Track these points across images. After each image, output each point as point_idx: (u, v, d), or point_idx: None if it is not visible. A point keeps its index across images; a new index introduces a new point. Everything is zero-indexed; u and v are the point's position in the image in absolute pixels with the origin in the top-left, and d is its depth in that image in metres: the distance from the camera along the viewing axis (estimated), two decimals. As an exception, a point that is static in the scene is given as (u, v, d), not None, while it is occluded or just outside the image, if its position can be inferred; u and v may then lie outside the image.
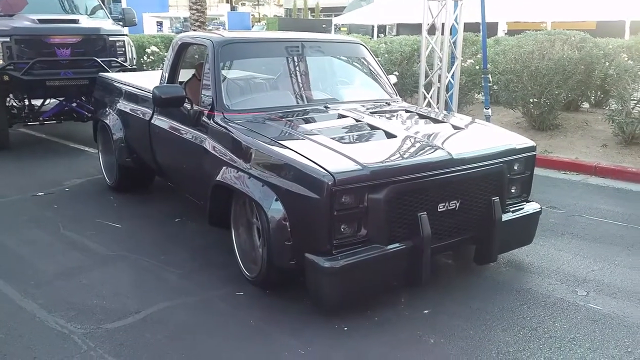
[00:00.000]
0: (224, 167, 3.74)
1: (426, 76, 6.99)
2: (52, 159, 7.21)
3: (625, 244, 4.39)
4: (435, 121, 4.17)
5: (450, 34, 6.77)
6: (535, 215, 3.96)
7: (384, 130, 3.74)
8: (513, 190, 3.86)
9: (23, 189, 5.81)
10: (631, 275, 3.84)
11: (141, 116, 5.06)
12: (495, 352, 2.93)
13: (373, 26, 25.26)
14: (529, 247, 4.13)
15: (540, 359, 2.88)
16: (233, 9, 44.92)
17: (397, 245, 3.24)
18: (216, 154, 3.86)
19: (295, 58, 4.55)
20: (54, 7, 8.15)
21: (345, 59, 4.96)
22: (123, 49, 7.91)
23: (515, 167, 3.81)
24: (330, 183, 2.99)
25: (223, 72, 4.18)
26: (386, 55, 9.55)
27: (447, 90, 6.81)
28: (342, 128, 3.83)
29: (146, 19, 27.38)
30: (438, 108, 6.60)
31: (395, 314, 3.33)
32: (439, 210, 3.40)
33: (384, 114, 4.24)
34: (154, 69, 12.40)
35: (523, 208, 3.91)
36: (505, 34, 14.45)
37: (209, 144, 3.97)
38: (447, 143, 3.60)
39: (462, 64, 8.13)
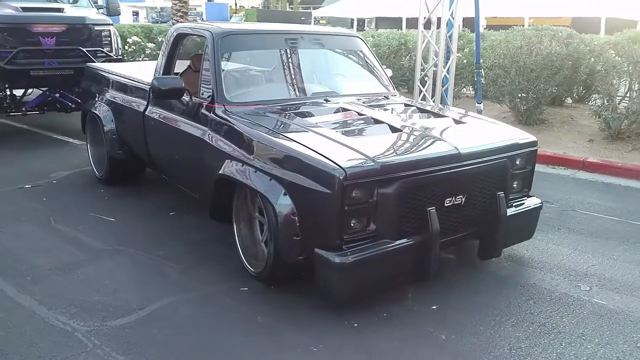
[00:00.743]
0: (226, 161, 3.67)
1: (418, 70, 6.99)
2: (36, 150, 7.02)
3: (620, 239, 4.45)
4: (437, 115, 4.16)
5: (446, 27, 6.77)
6: (536, 210, 3.99)
7: (388, 124, 3.71)
8: (515, 185, 3.87)
9: (8, 181, 5.64)
10: (631, 269, 3.89)
11: (135, 107, 4.95)
12: (508, 348, 2.94)
13: (352, 19, 25.28)
14: (528, 241, 4.15)
15: (552, 355, 2.89)
16: (210, -1, 44.37)
17: (405, 240, 3.22)
18: (218, 146, 3.79)
19: (294, 50, 4.49)
20: (37, -5, 7.95)
21: (343, 51, 4.92)
22: (109, 39, 7.74)
23: (518, 162, 3.82)
24: (341, 177, 2.95)
25: (222, 64, 4.10)
26: (373, 48, 9.51)
27: (442, 85, 6.81)
28: (347, 122, 3.79)
29: (122, 8, 26.95)
30: (434, 102, 6.60)
31: (403, 310, 3.31)
32: (446, 205, 3.39)
33: (384, 108, 4.21)
34: (136, 60, 12.21)
35: (525, 203, 3.93)
36: (485, 29, 14.53)
37: (210, 136, 3.90)
38: (453, 138, 3.59)
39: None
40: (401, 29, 15.54)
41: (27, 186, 5.55)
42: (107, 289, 3.51)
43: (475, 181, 3.50)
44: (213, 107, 3.95)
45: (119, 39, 8.15)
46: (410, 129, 3.68)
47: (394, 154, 3.25)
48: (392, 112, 4.11)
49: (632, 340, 3.03)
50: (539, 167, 6.60)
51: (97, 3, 8.51)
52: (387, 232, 3.18)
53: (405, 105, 4.44)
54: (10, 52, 6.84)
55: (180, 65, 5.07)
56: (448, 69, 6.63)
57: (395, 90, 4.87)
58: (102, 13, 8.20)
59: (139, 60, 11.73)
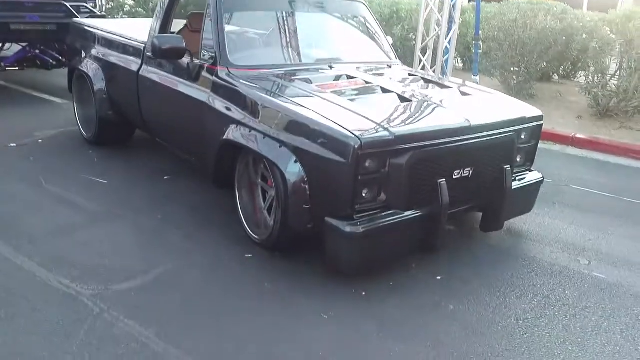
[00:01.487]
0: (231, 125, 3.58)
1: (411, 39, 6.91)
2: (17, 108, 6.78)
3: (614, 215, 4.52)
4: (442, 86, 4.12)
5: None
6: (538, 185, 4.01)
7: (397, 94, 3.66)
8: (518, 159, 3.88)
9: (-8, 140, 5.45)
10: (627, 245, 3.96)
11: (128, 67, 4.78)
12: (515, 319, 2.98)
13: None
14: (526, 215, 4.18)
15: (558, 327, 2.94)
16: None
17: (415, 211, 3.21)
18: (222, 111, 3.69)
19: (299, 14, 4.38)
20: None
21: (347, 17, 4.81)
22: (93, -6, 7.45)
23: (523, 136, 3.82)
24: (356, 146, 2.90)
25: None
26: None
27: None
28: (355, 90, 3.72)
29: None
30: (434, 72, 6.55)
31: (409, 279, 3.32)
32: (454, 177, 3.38)
33: (389, 77, 4.15)
34: (114, 17, 11.81)
35: (527, 177, 3.95)
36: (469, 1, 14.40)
37: (213, 100, 3.79)
38: (463, 109, 3.56)
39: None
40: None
41: (12, 145, 5.36)
42: (108, 252, 3.43)
43: (483, 154, 3.49)
44: (215, 70, 3.84)
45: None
46: (419, 99, 3.63)
47: (408, 124, 3.21)
48: (398, 82, 4.05)
49: (633, 313, 3.10)
50: (528, 142, 6.73)
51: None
52: (397, 203, 3.16)
53: (410, 75, 4.38)
54: (-11, 5, 6.53)
55: (175, 25, 4.90)
56: (449, 40, 6.55)
57: (397, 59, 4.80)
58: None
59: (117, 18, 11.36)
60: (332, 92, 3.59)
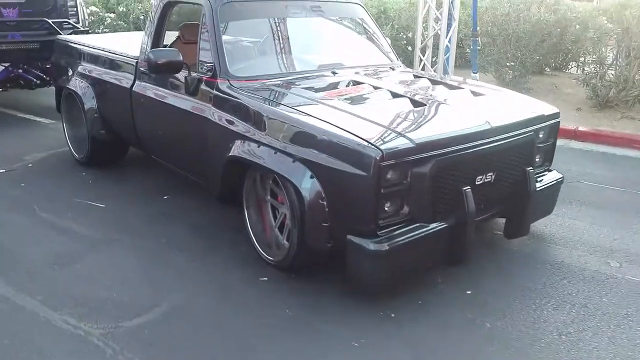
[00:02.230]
0: (237, 141, 3.38)
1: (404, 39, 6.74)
2: (3, 131, 6.47)
3: (633, 210, 4.38)
4: (452, 87, 3.93)
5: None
6: (558, 185, 3.85)
7: (409, 98, 3.48)
8: (537, 159, 3.72)
9: (-22, 166, 5.19)
10: (653, 242, 3.82)
11: (119, 83, 4.55)
12: (557, 334, 2.80)
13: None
14: (545, 217, 4.01)
15: (604, 339, 2.76)
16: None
17: (440, 222, 3.02)
18: (225, 125, 3.49)
19: (296, 20, 4.20)
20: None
21: (345, 20, 4.61)
22: (75, 9, 7.18)
23: (541, 135, 3.66)
24: (378, 158, 2.71)
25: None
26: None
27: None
28: (365, 96, 3.53)
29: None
30: (435, 72, 6.38)
31: (437, 296, 3.14)
32: (477, 183, 3.20)
33: (396, 80, 3.97)
34: (95, 31, 11.51)
35: (547, 177, 3.79)
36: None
37: (214, 114, 3.58)
38: (480, 111, 3.40)
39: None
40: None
41: (1, 171, 5.09)
42: (114, 283, 3.21)
43: (505, 157, 3.32)
44: (215, 83, 3.63)
45: (84, 9, 7.59)
46: (433, 102, 3.45)
47: (427, 130, 3.03)
48: (406, 85, 3.87)
49: (678, 318, 2.94)
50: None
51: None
52: (421, 215, 2.97)
53: (416, 76, 4.21)
54: (-32, 25, 6.25)
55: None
56: (449, 38, 6.38)
57: (398, 60, 4.62)
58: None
59: (98, 32, 11.08)
60: (341, 99, 3.40)
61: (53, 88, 7.58)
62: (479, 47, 6.56)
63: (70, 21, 7.05)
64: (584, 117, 7.08)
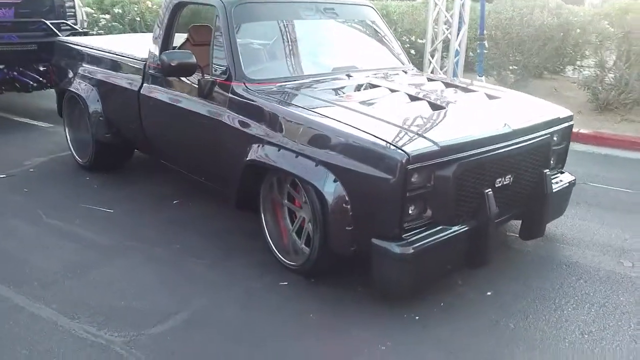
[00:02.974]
0: (256, 145, 3.34)
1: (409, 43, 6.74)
2: (0, 135, 6.39)
3: (641, 211, 4.41)
4: (467, 90, 3.93)
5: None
6: (571, 186, 3.86)
7: (427, 101, 3.46)
8: (551, 162, 3.72)
9: (-23, 171, 5.09)
10: (665, 243, 3.84)
11: (126, 86, 4.49)
12: (579, 333, 2.80)
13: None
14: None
15: (625, 338, 2.77)
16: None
17: (462, 225, 3.01)
18: (243, 129, 3.45)
19: (310, 22, 4.17)
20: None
21: (357, 22, 4.59)
22: (73, 10, 7.09)
23: (555, 138, 3.66)
24: (404, 161, 2.70)
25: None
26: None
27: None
28: (383, 99, 3.51)
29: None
30: (445, 74, 6.38)
31: (458, 298, 3.12)
32: (496, 185, 3.19)
33: (411, 83, 3.95)
34: (90, 33, 11.35)
35: (561, 179, 3.79)
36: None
37: (230, 117, 3.54)
38: (498, 114, 3.40)
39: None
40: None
41: (1, 176, 5.00)
42: (130, 291, 3.15)
43: (523, 159, 3.32)
44: (230, 86, 3.59)
45: (82, 10, 7.50)
46: (452, 105, 3.44)
47: (451, 134, 3.01)
48: (422, 88, 3.85)
49: (697, 316, 2.96)
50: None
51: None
52: (443, 218, 2.96)
53: (429, 79, 4.20)
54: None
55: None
56: (459, 41, 6.36)
57: (410, 63, 4.61)
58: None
59: (93, 34, 10.96)
60: (360, 102, 3.38)
61: (49, 91, 7.56)
62: (485, 51, 6.58)
63: (69, 22, 6.96)
64: (585, 120, 7.11)
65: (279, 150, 3.19)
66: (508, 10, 7.27)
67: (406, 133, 2.92)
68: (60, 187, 4.76)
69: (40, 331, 2.76)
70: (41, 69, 7.38)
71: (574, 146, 6.32)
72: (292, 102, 3.34)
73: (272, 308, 3.01)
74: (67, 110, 5.35)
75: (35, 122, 7.00)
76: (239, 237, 3.82)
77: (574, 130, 6.54)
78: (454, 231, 2.96)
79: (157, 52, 4.19)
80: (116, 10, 11.61)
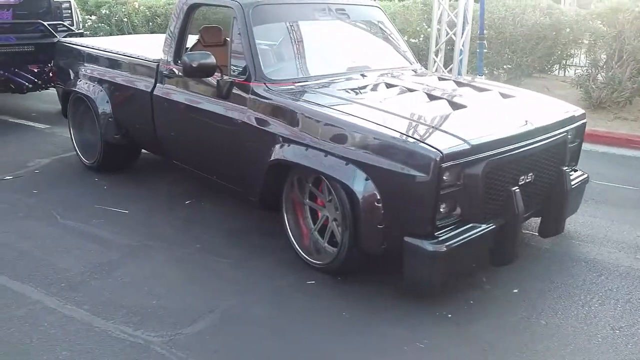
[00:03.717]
0: (279, 144, 3.36)
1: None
2: (-2, 136, 6.30)
3: (647, 208, 4.52)
4: (481, 89, 3.97)
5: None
6: (585, 184, 3.94)
7: (447, 100, 3.51)
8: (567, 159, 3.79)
9: (-19, 173, 5.01)
10: (676, 238, 3.95)
11: (138, 87, 4.46)
12: (610, 328, 2.87)
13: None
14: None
15: (655, 332, 2.85)
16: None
17: (490, 223, 3.06)
18: (266, 128, 3.46)
19: (324, 22, 4.20)
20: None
21: (366, 23, 4.62)
22: (69, 11, 7.03)
23: (569, 136, 3.74)
24: (438, 159, 2.74)
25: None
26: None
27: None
28: (403, 98, 3.55)
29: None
30: (449, 73, 6.45)
31: (486, 295, 3.17)
32: (520, 183, 3.26)
33: (426, 83, 4.00)
34: (84, 35, 11.21)
35: (575, 176, 3.87)
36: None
37: (251, 117, 3.56)
38: (520, 113, 3.47)
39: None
40: None
41: (8, 177, 4.94)
42: (160, 290, 3.15)
43: (544, 157, 3.39)
44: (250, 86, 3.60)
45: (78, 11, 7.42)
46: (472, 105, 3.48)
47: (480, 132, 3.05)
48: (437, 87, 3.90)
49: None
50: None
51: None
52: (472, 216, 3.01)
53: (440, 78, 4.26)
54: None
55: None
56: (463, 40, 6.45)
57: (417, 62, 4.66)
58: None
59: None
60: (383, 101, 3.41)
61: (42, 92, 7.49)
62: (485, 50, 6.69)
63: (65, 23, 6.88)
64: (578, 118, 7.25)
65: (306, 149, 3.21)
66: (500, 9, 7.38)
67: (437, 132, 2.97)
68: (69, 188, 4.72)
69: (76, 332, 2.74)
70: (35, 70, 7.32)
71: (572, 145, 6.50)
72: (317, 102, 3.35)
73: (303, 307, 3.03)
74: (72, 112, 5.29)
75: (31, 123, 6.91)
76: (258, 236, 3.83)
77: (571, 128, 6.75)
78: (483, 229, 3.01)
79: (171, 53, 4.18)
80: (103, 11, 11.50)
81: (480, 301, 3.11)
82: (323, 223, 3.45)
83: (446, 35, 6.55)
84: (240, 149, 3.66)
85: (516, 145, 3.12)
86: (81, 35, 7.14)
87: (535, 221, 3.73)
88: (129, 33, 10.71)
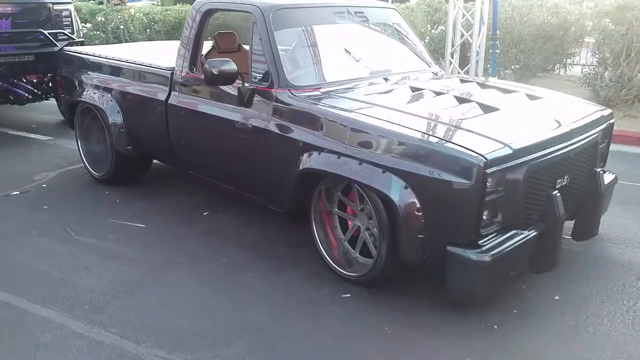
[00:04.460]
0: (308, 153, 3.24)
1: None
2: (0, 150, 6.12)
3: (673, 207, 4.45)
4: (506, 91, 3.87)
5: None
6: (614, 184, 3.86)
7: (477, 103, 3.41)
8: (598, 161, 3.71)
9: (-13, 189, 4.84)
10: None
11: (152, 96, 4.33)
12: (662, 335, 2.78)
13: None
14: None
15: None
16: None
17: (531, 229, 2.96)
18: (292, 136, 3.34)
19: (344, 25, 4.09)
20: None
21: (384, 25, 4.52)
22: (69, 19, 6.87)
23: (599, 136, 3.66)
24: (482, 165, 2.64)
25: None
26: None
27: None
28: (433, 102, 3.45)
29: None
30: (466, 74, 6.37)
31: (529, 304, 3.07)
32: (557, 187, 3.16)
33: (448, 85, 3.90)
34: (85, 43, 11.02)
35: (606, 177, 3.78)
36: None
37: (276, 126, 3.44)
38: (551, 115, 3.37)
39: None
40: None
41: (15, 192, 4.78)
42: (189, 310, 3.01)
43: (578, 159, 3.30)
44: (272, 93, 3.48)
45: (78, 19, 7.27)
46: (503, 108, 3.38)
47: (520, 136, 2.95)
48: (463, 90, 3.80)
49: None
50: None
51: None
52: (514, 222, 2.91)
53: (463, 81, 4.16)
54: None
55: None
56: (480, 42, 6.37)
57: (436, 65, 4.56)
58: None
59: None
60: (414, 105, 3.32)
61: (43, 103, 7.33)
62: (497, 51, 6.61)
63: (66, 32, 6.73)
64: (587, 116, 7.20)
65: (338, 157, 3.09)
66: (507, 10, 7.32)
67: (477, 136, 2.86)
68: (81, 203, 4.57)
69: (107, 358, 2.60)
70: (34, 80, 7.17)
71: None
72: (347, 108, 3.24)
73: (343, 321, 2.91)
74: (80, 123, 5.13)
75: (32, 135, 6.75)
76: (283, 247, 3.72)
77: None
78: (526, 236, 2.91)
79: (186, 61, 4.05)
80: (98, 19, 11.33)
81: (524, 310, 3.00)
82: (353, 233, 3.35)
83: (461, 37, 6.47)
84: (264, 157, 3.54)
85: (555, 148, 3.02)
86: (82, 43, 6.98)
87: (567, 224, 3.64)
88: (126, 40, 10.55)
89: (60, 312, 2.99)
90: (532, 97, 3.74)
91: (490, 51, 6.47)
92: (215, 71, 3.46)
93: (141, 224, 4.11)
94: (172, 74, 4.18)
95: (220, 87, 3.76)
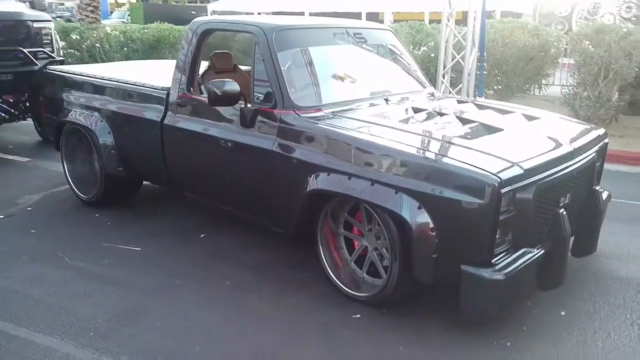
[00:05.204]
0: (315, 174, 3.22)
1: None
2: (-23, 172, 5.93)
3: (661, 223, 4.57)
4: (504, 112, 3.94)
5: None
6: (608, 202, 3.94)
7: (480, 124, 3.46)
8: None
9: (-32, 213, 4.67)
10: (700, 254, 3.98)
11: (146, 117, 4.25)
12: (668, 348, 2.84)
13: (253, 13, 24.62)
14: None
15: None
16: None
17: (539, 247, 3.00)
18: (299, 157, 3.32)
19: (344, 46, 4.13)
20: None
21: (382, 47, 4.55)
22: (49, 38, 6.75)
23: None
24: (497, 185, 2.67)
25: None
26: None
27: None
28: (436, 122, 3.48)
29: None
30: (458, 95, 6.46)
31: (535, 320, 3.10)
32: (560, 205, 3.22)
33: (447, 106, 3.95)
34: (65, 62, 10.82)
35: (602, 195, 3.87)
36: (392, 23, 14.70)
37: (281, 146, 3.41)
38: (553, 135, 3.43)
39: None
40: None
41: (0, 217, 4.62)
42: (199, 336, 2.94)
43: (579, 178, 3.37)
44: (276, 114, 3.47)
45: (58, 37, 7.14)
46: (507, 128, 3.43)
47: (529, 156, 2.99)
48: (463, 110, 3.84)
49: None
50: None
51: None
52: (524, 241, 2.95)
53: (460, 102, 4.23)
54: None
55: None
56: (471, 63, 6.48)
57: (431, 86, 4.62)
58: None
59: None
60: (419, 126, 3.34)
61: (17, 123, 7.15)
62: (485, 72, 6.75)
63: (46, 50, 6.60)
64: (566, 135, 7.38)
65: (349, 178, 3.08)
66: (490, 32, 7.49)
67: (488, 156, 2.89)
68: (70, 226, 4.45)
69: (121, 388, 2.52)
70: (11, 100, 6.99)
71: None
72: (354, 128, 3.25)
73: (357, 343, 2.89)
74: (65, 144, 5.01)
75: (9, 157, 6.57)
76: (286, 269, 3.67)
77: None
78: (535, 254, 2.95)
79: (184, 81, 4.01)
80: (73, 37, 11.15)
81: (533, 327, 3.03)
82: (360, 253, 3.34)
83: (452, 58, 6.58)
84: (268, 179, 3.51)
85: (560, 167, 3.08)
86: (62, 62, 6.85)
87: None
88: (102, 59, 10.40)
89: (64, 340, 2.88)
90: (529, 118, 3.81)
91: (478, 72, 6.60)
92: (218, 92, 3.43)
93: (137, 247, 4.01)
94: (167, 94, 4.13)
95: (220, 107, 3.73)
